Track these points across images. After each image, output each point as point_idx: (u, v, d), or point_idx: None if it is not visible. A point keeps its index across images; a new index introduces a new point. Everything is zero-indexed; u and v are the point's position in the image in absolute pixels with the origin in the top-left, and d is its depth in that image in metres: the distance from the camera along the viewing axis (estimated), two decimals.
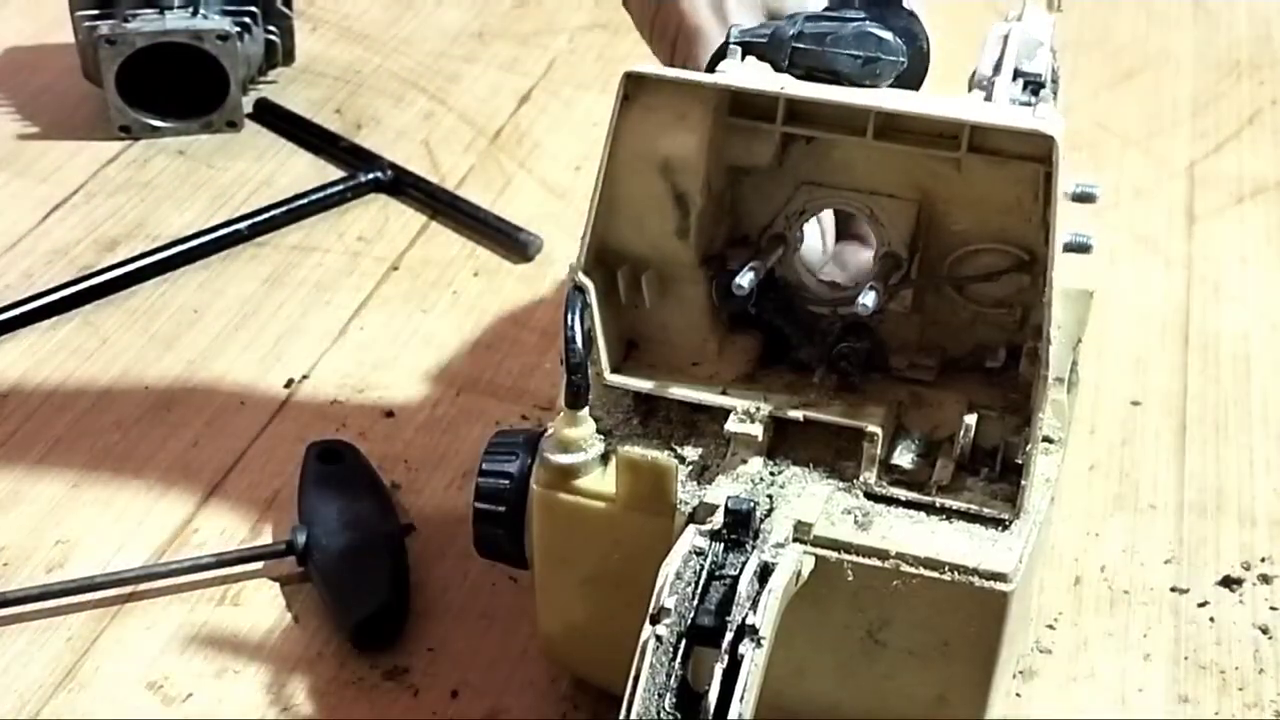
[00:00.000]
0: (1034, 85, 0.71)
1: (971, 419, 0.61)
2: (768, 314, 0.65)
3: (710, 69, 0.66)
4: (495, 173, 1.12)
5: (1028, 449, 0.59)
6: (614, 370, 0.64)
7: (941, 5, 1.40)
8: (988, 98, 0.71)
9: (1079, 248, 0.74)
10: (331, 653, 0.73)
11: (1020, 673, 0.73)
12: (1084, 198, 0.76)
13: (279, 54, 1.21)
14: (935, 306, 0.64)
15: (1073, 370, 0.67)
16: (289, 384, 0.91)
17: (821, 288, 0.66)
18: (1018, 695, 0.72)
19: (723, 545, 0.56)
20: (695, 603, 0.55)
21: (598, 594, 0.63)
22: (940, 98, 0.61)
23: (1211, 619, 0.76)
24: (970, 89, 0.72)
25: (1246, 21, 1.37)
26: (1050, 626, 0.75)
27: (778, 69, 0.62)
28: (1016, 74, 0.71)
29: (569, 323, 0.61)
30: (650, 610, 0.54)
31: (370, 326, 0.96)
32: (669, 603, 0.54)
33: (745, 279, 0.60)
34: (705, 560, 0.56)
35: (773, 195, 0.64)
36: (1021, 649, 0.70)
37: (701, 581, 0.55)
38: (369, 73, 1.26)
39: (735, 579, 0.55)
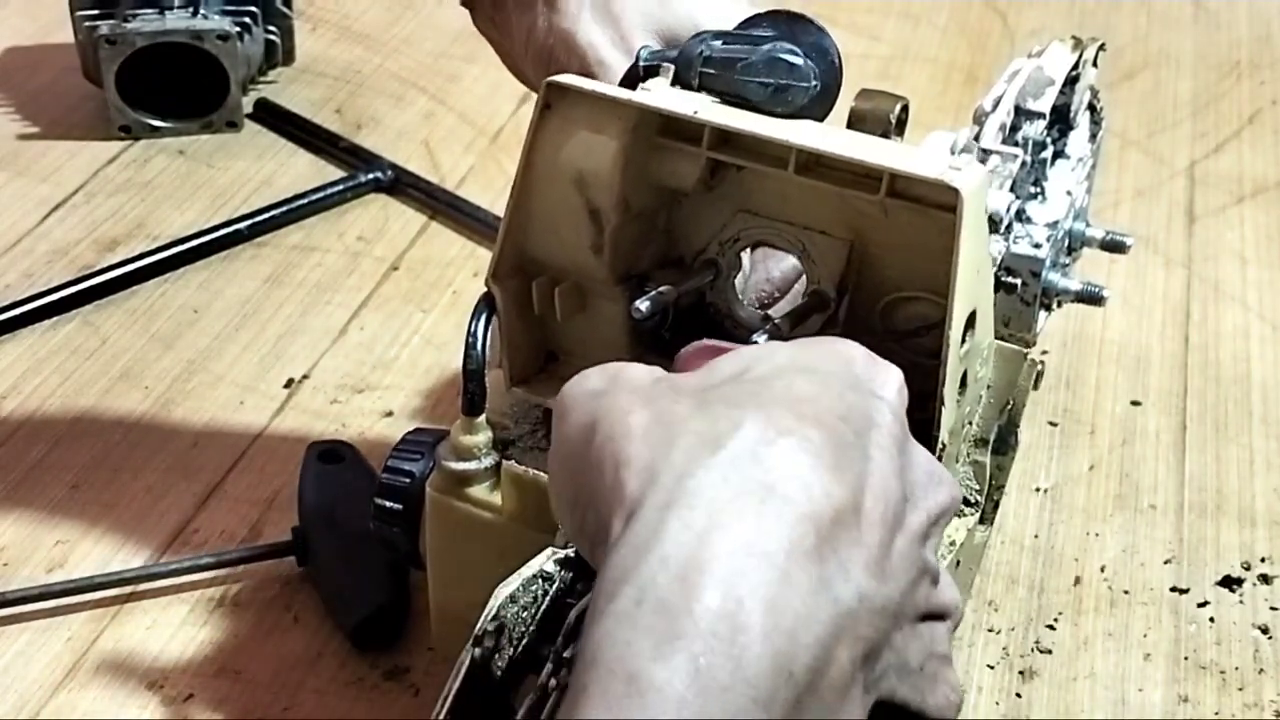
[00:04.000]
0: (1036, 119, 0.71)
1: None
2: (693, 339, 0.65)
3: None
4: (495, 173, 1.12)
5: None
6: (523, 381, 0.64)
7: (944, 5, 1.40)
8: (979, 132, 0.71)
9: (1090, 298, 0.73)
10: (331, 653, 0.73)
11: (1020, 673, 0.73)
12: (1114, 246, 0.76)
13: (279, 54, 1.21)
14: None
15: (1011, 432, 0.65)
16: (289, 384, 0.91)
17: (752, 317, 0.65)
18: (1018, 695, 0.72)
19: (572, 573, 0.54)
20: (533, 628, 0.53)
21: (487, 597, 0.62)
22: (865, 138, 0.59)
23: (1211, 619, 0.76)
24: (973, 120, 0.72)
25: (1246, 21, 1.37)
26: (1050, 626, 0.75)
27: (689, 89, 0.60)
28: (1018, 110, 0.72)
29: (472, 330, 0.61)
30: (475, 631, 0.53)
31: (370, 326, 0.96)
32: (491, 626, 0.53)
33: (644, 303, 0.59)
34: (551, 586, 0.54)
35: (709, 220, 0.63)
36: None
37: (543, 607, 0.53)
38: (369, 73, 1.26)
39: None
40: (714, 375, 0.49)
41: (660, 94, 0.59)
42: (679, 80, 0.61)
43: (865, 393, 0.48)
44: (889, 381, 0.49)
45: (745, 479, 0.44)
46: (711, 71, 0.59)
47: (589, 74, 0.67)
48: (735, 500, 0.43)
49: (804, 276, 0.63)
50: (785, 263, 0.68)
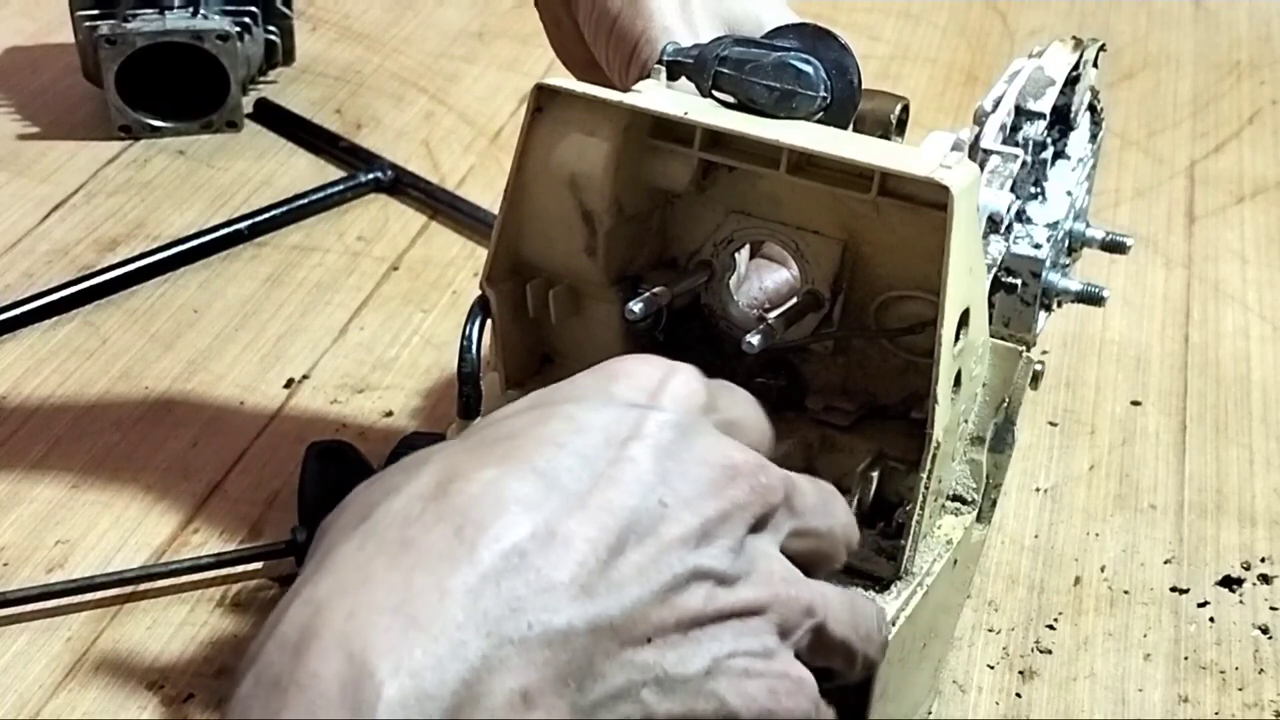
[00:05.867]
0: (1037, 119, 0.72)
1: (873, 472, 0.59)
2: (688, 340, 0.65)
3: None
4: (495, 173, 1.12)
5: (908, 508, 0.57)
6: (518, 384, 0.64)
7: (944, 5, 1.40)
8: (979, 132, 0.71)
9: (1091, 298, 0.74)
10: None
11: (1020, 673, 0.73)
12: (1114, 246, 0.76)
13: (279, 54, 1.21)
14: (863, 351, 0.63)
15: (1008, 430, 0.65)
16: (289, 384, 0.91)
17: (747, 318, 0.64)
18: (1018, 695, 0.72)
19: None
20: None
21: None
22: (856, 138, 0.59)
23: (1211, 619, 0.76)
24: (973, 120, 0.72)
25: (1246, 21, 1.37)
26: (1050, 626, 0.75)
27: (702, 92, 0.60)
28: (1019, 111, 0.72)
29: (466, 333, 0.61)
30: None
31: (370, 326, 0.96)
32: None
33: (638, 305, 0.59)
34: None
35: (702, 221, 0.63)
36: (922, 713, 0.69)
37: None
38: (369, 73, 1.26)
39: None
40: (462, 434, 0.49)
41: (651, 95, 0.59)
42: (693, 81, 0.61)
43: (618, 408, 0.47)
44: (666, 388, 0.48)
45: (383, 541, 0.43)
46: (725, 72, 0.59)
47: (650, 40, 0.67)
48: (366, 565, 0.42)
49: (795, 290, 0.63)
50: (779, 275, 0.68)
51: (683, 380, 0.49)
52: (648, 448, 0.46)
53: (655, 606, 0.44)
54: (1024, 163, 0.71)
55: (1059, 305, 0.75)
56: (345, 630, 0.41)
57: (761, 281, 0.68)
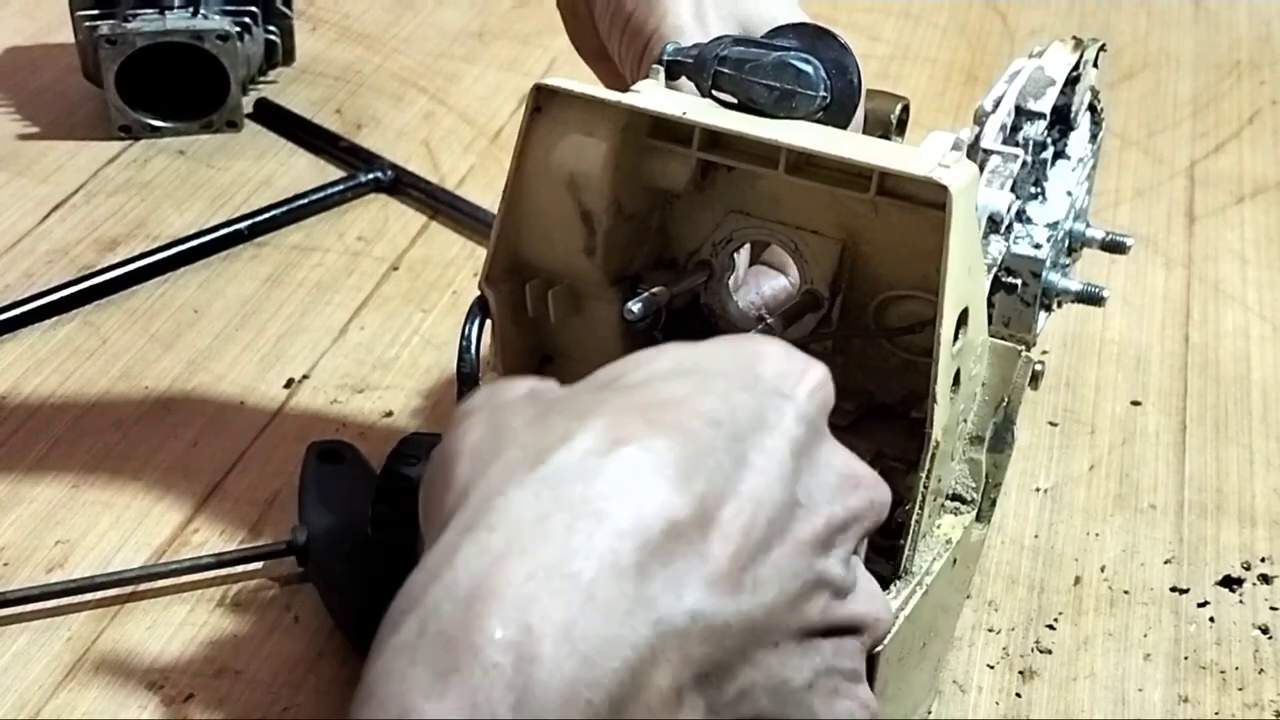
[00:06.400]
0: (1037, 119, 0.72)
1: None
2: (687, 340, 0.65)
3: None
4: (495, 173, 1.12)
5: (907, 507, 0.57)
6: None
7: (944, 5, 1.40)
8: (979, 132, 0.71)
9: (1090, 298, 0.74)
10: (332, 653, 0.73)
11: (1020, 673, 0.73)
12: (1114, 246, 0.76)
13: (279, 54, 1.21)
14: (862, 350, 0.63)
15: (1007, 430, 0.65)
16: (289, 384, 0.91)
17: (745, 318, 0.65)
18: (1018, 695, 0.72)
19: None
20: None
21: None
22: (854, 137, 0.59)
23: (1211, 619, 0.76)
24: (973, 120, 0.72)
25: (1246, 21, 1.37)
26: (1050, 626, 0.75)
27: (702, 91, 0.60)
28: (1019, 111, 0.72)
29: (465, 333, 0.61)
30: None
31: (370, 326, 0.96)
32: None
33: (637, 305, 0.59)
34: None
35: (701, 221, 0.63)
36: (922, 712, 0.69)
37: None
38: (369, 73, 1.26)
39: None
40: (589, 382, 0.47)
41: (650, 95, 0.59)
42: (693, 81, 0.61)
43: (764, 393, 0.46)
44: (803, 381, 0.47)
45: (560, 496, 0.41)
46: (725, 71, 0.59)
47: (662, 37, 0.67)
48: (543, 520, 0.41)
49: (792, 298, 0.63)
50: (777, 282, 0.68)
51: (820, 377, 0.48)
52: (787, 441, 0.45)
53: (786, 610, 0.44)
54: (1024, 163, 0.71)
55: (1059, 305, 0.75)
56: (523, 595, 0.39)
57: (759, 288, 0.68)
